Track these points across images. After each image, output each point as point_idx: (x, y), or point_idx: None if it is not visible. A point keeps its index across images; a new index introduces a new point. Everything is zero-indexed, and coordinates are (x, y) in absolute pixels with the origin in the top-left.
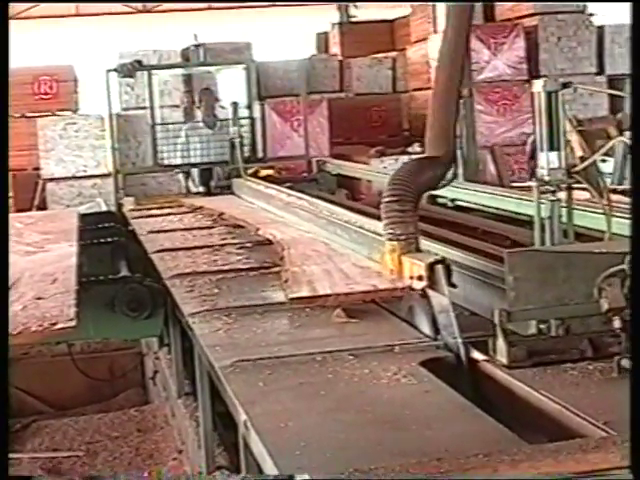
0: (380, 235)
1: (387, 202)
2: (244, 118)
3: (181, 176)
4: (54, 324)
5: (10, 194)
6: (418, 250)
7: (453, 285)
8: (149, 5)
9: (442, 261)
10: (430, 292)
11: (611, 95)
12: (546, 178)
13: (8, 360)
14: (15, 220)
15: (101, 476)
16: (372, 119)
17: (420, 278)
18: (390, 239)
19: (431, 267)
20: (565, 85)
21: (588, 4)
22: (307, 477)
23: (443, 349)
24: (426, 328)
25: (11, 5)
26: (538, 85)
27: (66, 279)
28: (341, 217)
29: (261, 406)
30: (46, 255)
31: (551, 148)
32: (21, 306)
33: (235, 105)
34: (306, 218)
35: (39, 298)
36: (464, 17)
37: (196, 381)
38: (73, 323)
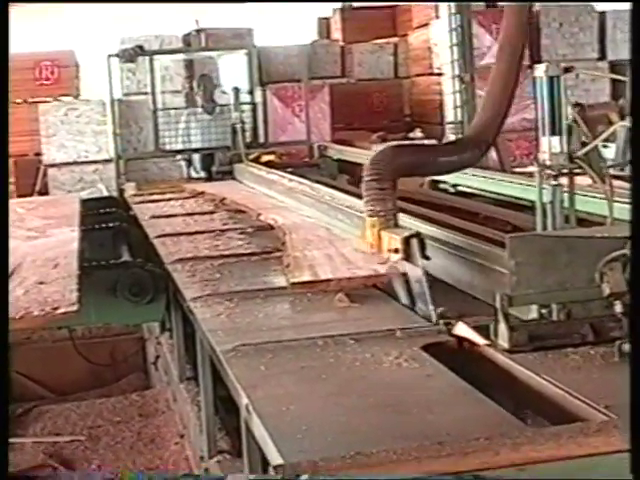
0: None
1: (367, 181)
2: (246, 104)
3: (182, 162)
4: (56, 309)
5: (11, 180)
6: (396, 225)
7: (427, 257)
8: None
9: (417, 235)
10: (406, 264)
11: (613, 81)
12: (548, 163)
13: (8, 346)
14: (17, 205)
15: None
16: (374, 105)
17: (396, 251)
18: (370, 215)
19: (406, 241)
20: (567, 70)
21: None
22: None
23: (444, 333)
24: (403, 297)
25: None
26: (540, 70)
27: (68, 264)
28: (342, 202)
29: (263, 390)
30: (48, 240)
31: (553, 133)
32: (23, 290)
33: (236, 90)
34: (308, 203)
35: (41, 283)
36: (523, 14)
37: (198, 365)
38: (75, 307)
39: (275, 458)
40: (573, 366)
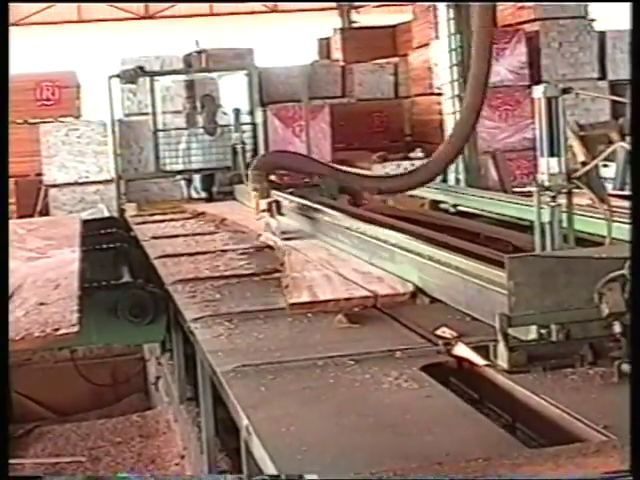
0: (381, 240)
1: (251, 170)
2: (246, 124)
3: (183, 182)
4: (56, 330)
5: (12, 200)
6: (268, 197)
7: (281, 214)
8: (151, 11)
9: (275, 201)
10: (269, 217)
11: (613, 100)
12: (546, 183)
13: (8, 361)
14: (18, 226)
15: (104, 476)
16: (374, 124)
17: (264, 210)
18: (253, 190)
19: (269, 204)
20: (565, 91)
21: (590, 9)
22: (316, 477)
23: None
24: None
25: (14, 11)
26: (538, 91)
27: (68, 285)
28: (342, 223)
29: (263, 411)
30: (49, 261)
31: (551, 154)
32: (24, 312)
33: (237, 111)
34: (309, 223)
35: (42, 304)
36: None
37: (198, 386)
38: (75, 329)
39: None
40: (572, 386)
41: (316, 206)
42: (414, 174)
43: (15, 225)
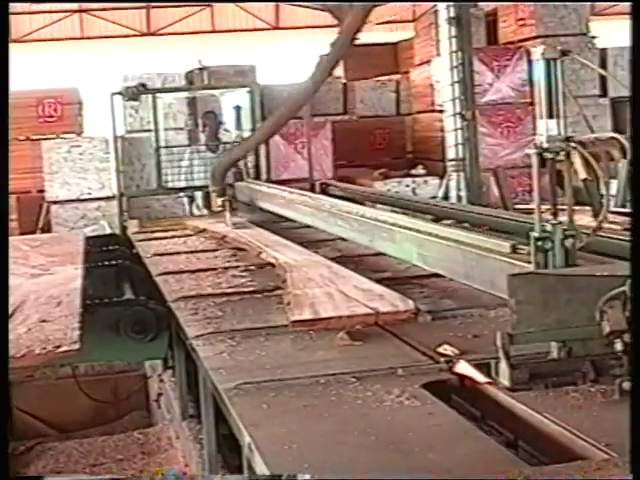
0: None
1: (211, 176)
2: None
3: (185, 199)
4: (58, 347)
5: (14, 216)
6: (223, 195)
7: (233, 209)
8: (153, 28)
9: (229, 199)
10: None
11: (614, 117)
12: (545, 145)
13: (9, 375)
14: (22, 242)
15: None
16: (376, 141)
17: (220, 206)
18: (213, 191)
19: (223, 202)
20: (564, 53)
21: (591, 26)
22: (308, 477)
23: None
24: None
25: (17, 28)
26: (537, 53)
27: (70, 302)
28: (341, 208)
29: (265, 428)
30: (51, 278)
31: (550, 115)
32: (25, 329)
33: (238, 109)
34: (308, 213)
35: (43, 321)
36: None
37: (200, 403)
38: (77, 346)
39: None
40: (574, 404)
41: None
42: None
43: (19, 242)
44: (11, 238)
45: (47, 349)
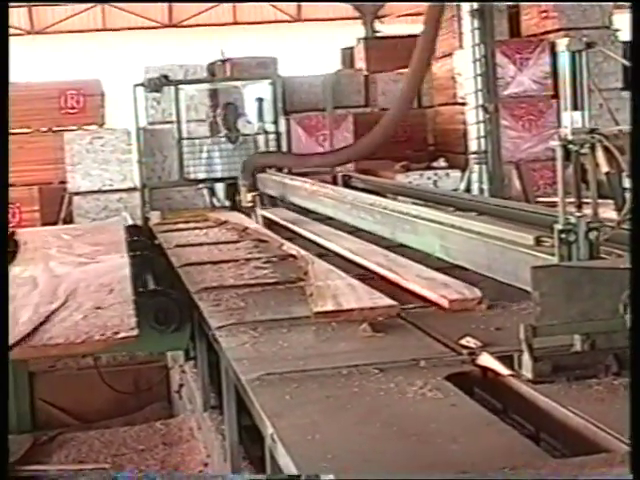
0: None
1: (241, 170)
2: (270, 133)
3: (205, 191)
4: (116, 333)
5: (36, 207)
6: (255, 190)
7: (264, 205)
8: (175, 19)
9: (260, 194)
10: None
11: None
12: (569, 137)
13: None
14: (63, 232)
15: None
16: (397, 134)
17: (250, 201)
18: (243, 186)
19: (253, 197)
20: (589, 45)
21: (614, 19)
22: (332, 477)
23: (468, 363)
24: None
25: (39, 19)
26: (562, 44)
27: (122, 289)
28: (364, 201)
29: (288, 419)
30: (99, 266)
31: (575, 107)
32: (81, 315)
33: (260, 100)
34: (330, 205)
35: (98, 308)
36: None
37: (222, 394)
38: (135, 332)
39: None
40: (597, 397)
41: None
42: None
43: (60, 231)
44: (52, 228)
45: (106, 335)
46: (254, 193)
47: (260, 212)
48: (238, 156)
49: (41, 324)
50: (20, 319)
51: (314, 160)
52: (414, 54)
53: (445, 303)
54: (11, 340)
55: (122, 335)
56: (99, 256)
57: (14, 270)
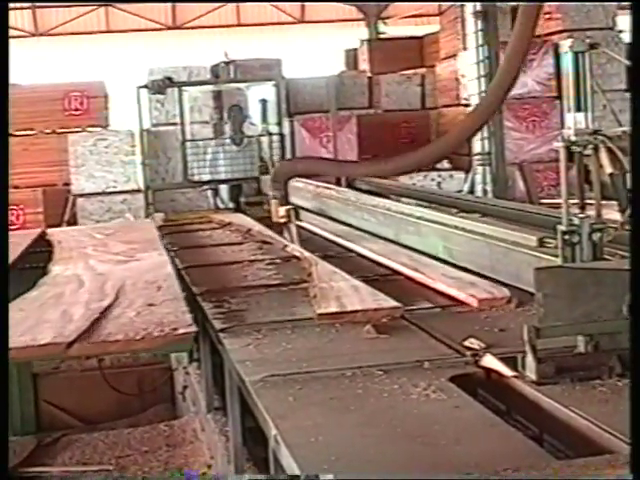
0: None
1: (271, 180)
2: (274, 134)
3: (209, 192)
4: (175, 329)
5: (40, 209)
6: (287, 204)
7: (299, 220)
8: (179, 21)
9: (294, 208)
10: (289, 224)
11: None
12: (573, 138)
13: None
14: (94, 231)
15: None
16: (401, 135)
17: (283, 217)
18: (273, 198)
19: (287, 211)
20: (592, 46)
21: (617, 20)
22: (331, 477)
23: (472, 365)
24: (287, 238)
25: (43, 21)
26: (565, 46)
27: (170, 286)
28: (367, 202)
29: (291, 421)
30: (140, 264)
31: (578, 109)
32: (135, 312)
33: (264, 102)
34: (334, 206)
35: (150, 305)
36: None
37: (226, 396)
38: (194, 328)
39: None
40: (600, 398)
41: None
42: (402, 159)
43: (91, 230)
44: (82, 227)
45: (165, 331)
46: (288, 207)
47: (295, 231)
48: (242, 158)
49: (95, 321)
50: (73, 316)
51: (363, 169)
52: (504, 59)
53: (474, 302)
54: (67, 337)
55: (181, 331)
56: (137, 254)
57: (55, 269)
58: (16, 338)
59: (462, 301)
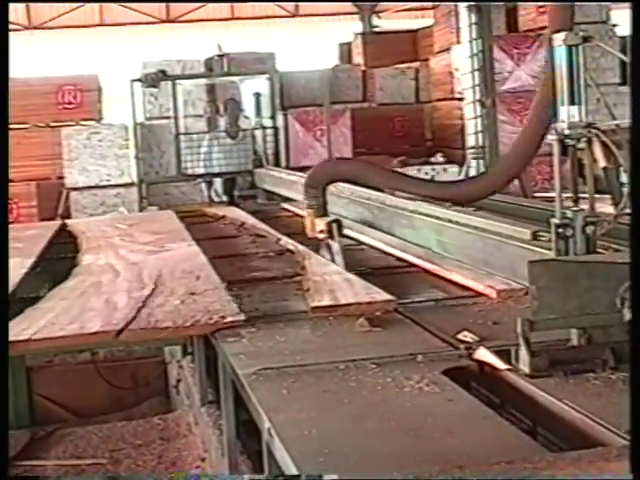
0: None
1: (305, 185)
2: (268, 128)
3: (203, 185)
4: (223, 317)
5: (34, 203)
6: (325, 215)
7: (344, 235)
8: (173, 15)
9: (336, 221)
10: (329, 241)
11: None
12: (566, 132)
13: (8, 362)
14: (116, 222)
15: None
16: (395, 129)
17: (322, 232)
18: (307, 207)
19: (328, 225)
20: (586, 39)
21: (611, 14)
22: (335, 477)
23: (465, 358)
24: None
25: (36, 15)
26: (559, 39)
27: (208, 276)
28: (361, 195)
29: (285, 414)
30: (172, 254)
31: (572, 102)
32: (178, 301)
33: (257, 95)
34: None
35: (192, 293)
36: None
37: (220, 389)
38: (242, 317)
39: None
40: (594, 391)
41: None
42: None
43: (113, 221)
44: (102, 218)
45: (214, 319)
46: (328, 219)
47: (338, 246)
48: (237, 151)
49: (140, 309)
50: (118, 304)
51: (429, 190)
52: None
53: (493, 294)
54: (116, 325)
55: (229, 319)
56: (166, 244)
57: (85, 258)
58: (65, 326)
59: (480, 292)
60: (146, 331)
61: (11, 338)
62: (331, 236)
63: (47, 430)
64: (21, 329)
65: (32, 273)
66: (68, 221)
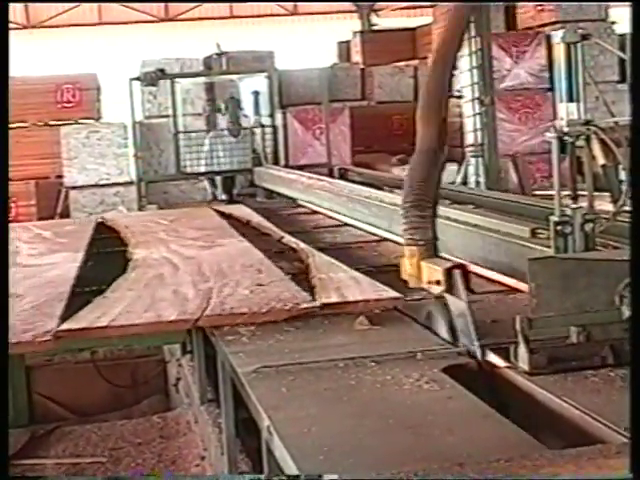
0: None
1: (406, 207)
2: (266, 126)
3: (206, 183)
4: (297, 304)
5: (33, 202)
6: (436, 255)
7: (472, 290)
8: (171, 13)
9: (460, 266)
10: (448, 297)
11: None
12: (565, 129)
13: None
14: (156, 217)
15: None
16: (394, 127)
17: (438, 283)
18: (409, 244)
19: (448, 272)
20: (584, 37)
21: (610, 12)
22: (336, 477)
23: (465, 355)
24: (444, 333)
25: (35, 14)
26: (557, 36)
27: (269, 269)
28: (360, 193)
29: (284, 412)
30: (226, 249)
31: (570, 99)
32: (247, 291)
33: (256, 94)
34: (326, 198)
35: (259, 284)
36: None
37: (219, 387)
38: (317, 303)
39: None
40: (593, 388)
41: None
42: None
43: (152, 217)
44: (141, 213)
45: (288, 306)
46: (448, 265)
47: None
48: (237, 149)
49: (209, 299)
50: (187, 295)
51: None
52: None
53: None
54: (192, 314)
55: (305, 306)
56: (216, 240)
57: (137, 252)
58: (140, 314)
59: (517, 288)
60: (223, 316)
61: (87, 325)
62: (451, 289)
63: (47, 429)
64: (95, 317)
65: (85, 267)
66: (106, 215)
